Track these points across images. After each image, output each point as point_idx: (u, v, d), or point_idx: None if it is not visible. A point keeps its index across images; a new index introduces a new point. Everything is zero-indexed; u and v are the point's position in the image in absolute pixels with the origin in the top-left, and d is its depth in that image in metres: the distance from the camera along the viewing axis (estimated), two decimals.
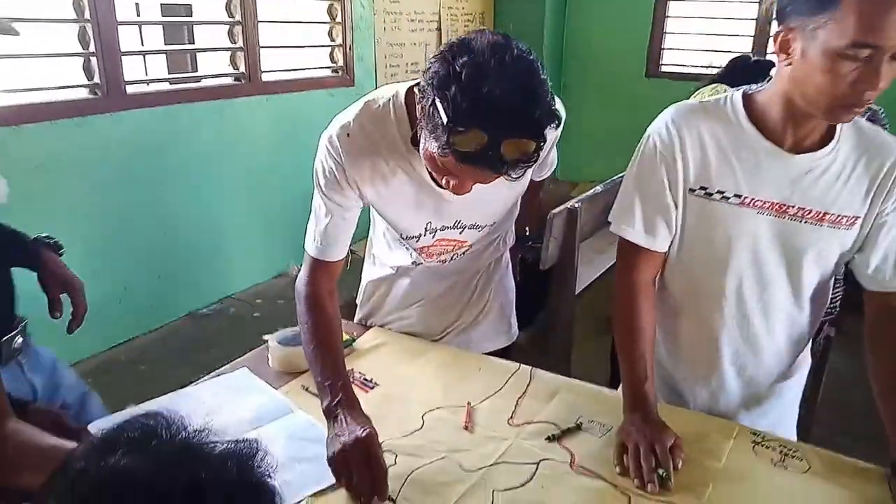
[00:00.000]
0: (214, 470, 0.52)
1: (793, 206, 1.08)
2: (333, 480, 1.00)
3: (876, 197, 1.07)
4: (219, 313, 2.89)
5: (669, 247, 1.17)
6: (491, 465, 1.05)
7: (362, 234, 1.39)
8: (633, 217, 1.15)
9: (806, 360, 1.28)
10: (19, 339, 1.23)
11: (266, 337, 1.36)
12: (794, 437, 1.27)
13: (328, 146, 1.17)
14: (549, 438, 1.11)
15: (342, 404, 1.07)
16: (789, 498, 1.00)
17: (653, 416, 1.10)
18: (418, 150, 1.06)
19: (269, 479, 0.55)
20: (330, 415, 1.07)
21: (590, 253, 2.46)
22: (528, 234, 1.95)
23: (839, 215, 1.07)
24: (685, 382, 1.26)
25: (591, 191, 2.31)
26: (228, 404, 1.19)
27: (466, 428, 1.14)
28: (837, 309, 1.92)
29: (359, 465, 0.97)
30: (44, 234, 1.35)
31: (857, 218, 1.08)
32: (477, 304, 1.44)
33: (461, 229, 1.29)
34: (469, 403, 1.21)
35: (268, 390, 1.25)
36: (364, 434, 1.01)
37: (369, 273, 1.49)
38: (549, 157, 1.38)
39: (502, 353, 1.45)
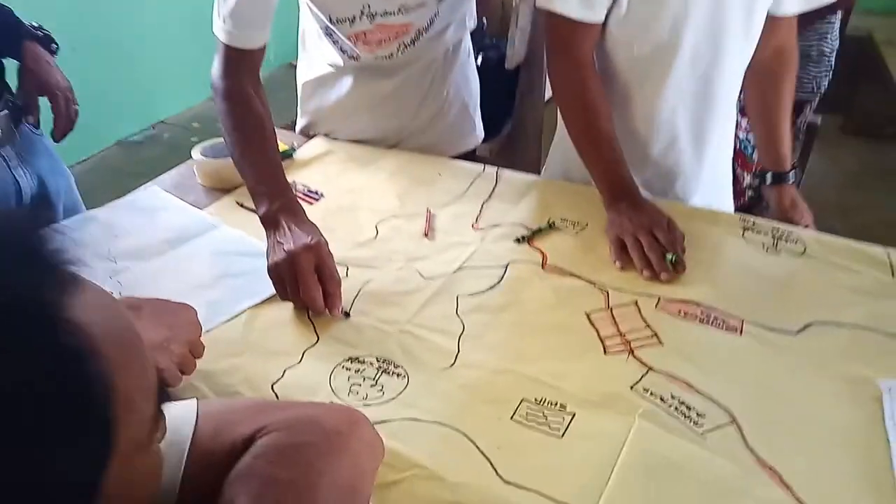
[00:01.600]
0: None
1: None
2: (271, 292, 0.88)
3: None
4: (151, 140, 2.64)
5: (607, 16, 0.98)
6: (454, 271, 0.93)
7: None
8: None
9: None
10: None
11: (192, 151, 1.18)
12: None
13: None
14: (518, 240, 0.99)
15: (284, 209, 0.91)
16: (787, 280, 0.91)
17: (640, 199, 0.99)
18: None
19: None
20: (269, 222, 0.91)
21: None
22: (485, 26, 1.71)
23: None
24: (639, 171, 1.13)
25: None
26: (141, 226, 1.03)
27: (426, 235, 1.01)
28: (821, 90, 1.78)
29: (306, 273, 0.84)
30: (34, 23, 1.14)
31: None
32: (435, 100, 1.25)
33: (406, 11, 1.07)
34: (428, 210, 1.07)
35: (185, 208, 1.09)
36: (312, 241, 0.87)
37: (304, 72, 1.28)
38: None
39: (465, 159, 1.29)
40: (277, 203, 0.91)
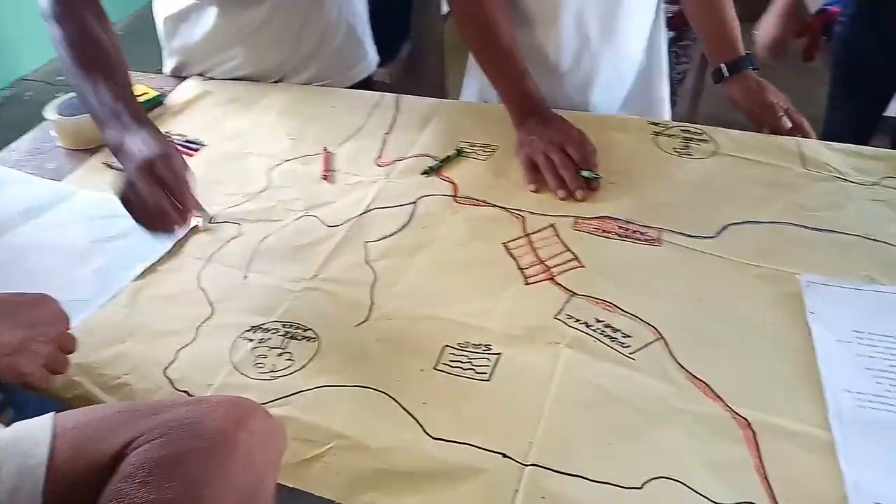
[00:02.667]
0: None
1: None
2: (163, 251, 0.78)
3: None
4: (11, 100, 2.35)
5: None
6: (360, 214, 0.86)
7: None
8: None
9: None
10: None
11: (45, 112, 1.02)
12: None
13: None
14: (425, 172, 0.92)
15: (128, 128, 0.79)
16: (702, 183, 0.89)
17: (549, 114, 0.94)
18: None
19: None
20: (115, 148, 0.79)
21: None
22: None
23: None
24: (555, 85, 1.08)
25: None
26: None
27: (325, 178, 0.93)
28: None
29: (154, 184, 0.73)
30: None
31: None
32: (316, 26, 1.12)
33: None
34: (326, 149, 0.98)
35: (31, 179, 0.95)
36: (160, 148, 0.76)
37: (162, 6, 1.12)
38: None
39: (362, 88, 1.19)
40: (119, 120, 0.80)
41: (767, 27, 1.39)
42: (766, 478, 0.56)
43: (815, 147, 0.94)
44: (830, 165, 0.91)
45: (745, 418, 0.61)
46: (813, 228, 0.81)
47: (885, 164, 0.91)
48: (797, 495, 0.55)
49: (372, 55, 1.25)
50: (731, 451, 0.58)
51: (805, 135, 0.97)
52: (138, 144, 0.76)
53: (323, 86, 1.14)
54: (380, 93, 1.09)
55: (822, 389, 0.63)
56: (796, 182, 0.88)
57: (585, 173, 0.87)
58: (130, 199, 0.74)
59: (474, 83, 1.14)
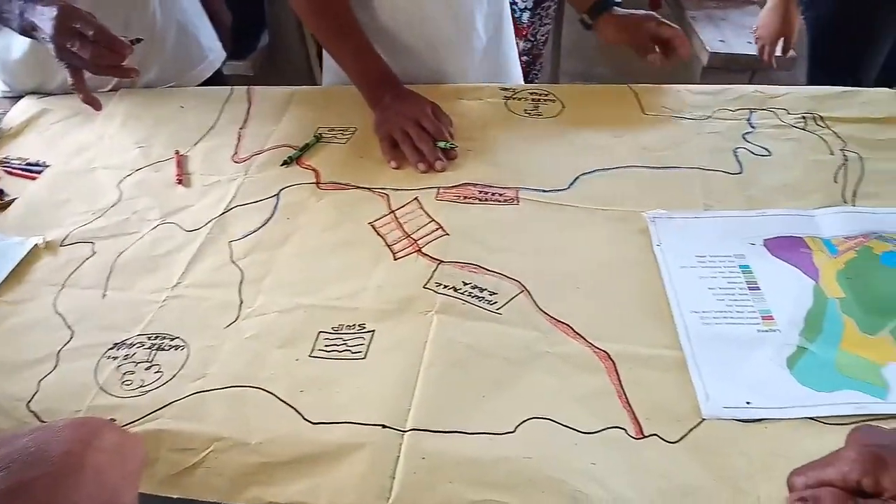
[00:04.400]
0: None
1: None
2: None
3: None
4: None
5: None
6: (220, 214, 0.84)
7: None
8: None
9: None
10: None
11: None
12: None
13: None
14: (285, 163, 0.91)
15: None
16: (553, 140, 0.93)
17: (402, 90, 0.95)
18: None
19: None
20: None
21: None
22: None
23: None
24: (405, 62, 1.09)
25: None
26: None
27: (180, 182, 0.90)
28: None
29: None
30: None
31: None
32: (141, 28, 1.05)
33: None
34: (178, 152, 0.94)
35: None
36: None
37: None
38: None
39: (215, 84, 1.15)
40: None
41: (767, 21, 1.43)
42: (627, 402, 0.61)
43: (652, 91, 1.00)
44: (666, 107, 0.98)
45: (605, 351, 0.65)
46: (655, 167, 0.88)
47: (714, 97, 0.99)
48: (656, 413, 0.60)
49: (215, 52, 1.21)
50: (594, 384, 0.63)
51: (682, 41, 0.99)
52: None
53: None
54: (229, 87, 1.06)
55: (672, 314, 0.69)
56: (637, 127, 0.95)
57: (442, 144, 0.89)
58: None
59: (333, 67, 1.14)
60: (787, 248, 0.76)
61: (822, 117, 0.94)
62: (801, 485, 0.44)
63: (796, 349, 0.65)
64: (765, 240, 0.77)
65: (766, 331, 0.67)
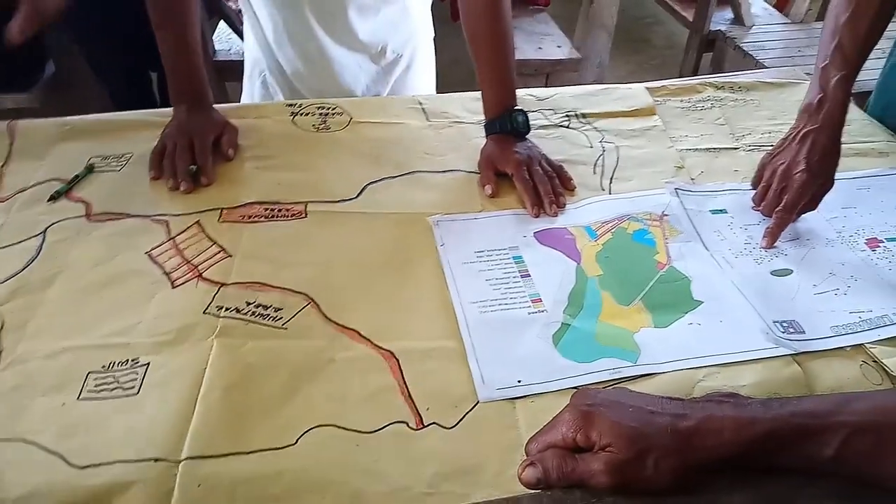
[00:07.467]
0: None
1: None
2: None
3: None
4: None
5: None
6: None
7: None
8: None
9: None
10: None
11: None
12: None
13: None
14: (52, 198, 0.85)
15: None
16: (341, 152, 0.95)
17: (203, 105, 0.94)
18: None
19: None
20: None
21: None
22: None
23: None
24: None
25: None
26: None
27: None
28: None
29: None
30: None
31: None
32: None
33: None
34: None
35: None
36: None
37: None
38: None
39: None
40: None
41: None
42: (409, 396, 0.64)
43: (434, 100, 1.06)
44: (448, 113, 1.03)
45: (389, 350, 0.68)
46: (438, 171, 0.92)
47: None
48: (435, 401, 0.63)
49: None
50: (378, 383, 0.65)
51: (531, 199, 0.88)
52: None
53: None
54: None
55: (453, 307, 0.73)
56: (422, 134, 0.99)
57: (192, 167, 0.88)
58: None
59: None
60: (554, 236, 0.84)
61: (583, 114, 1.04)
62: (533, 451, 0.49)
63: (560, 326, 0.72)
64: (535, 232, 0.84)
65: (535, 312, 0.74)
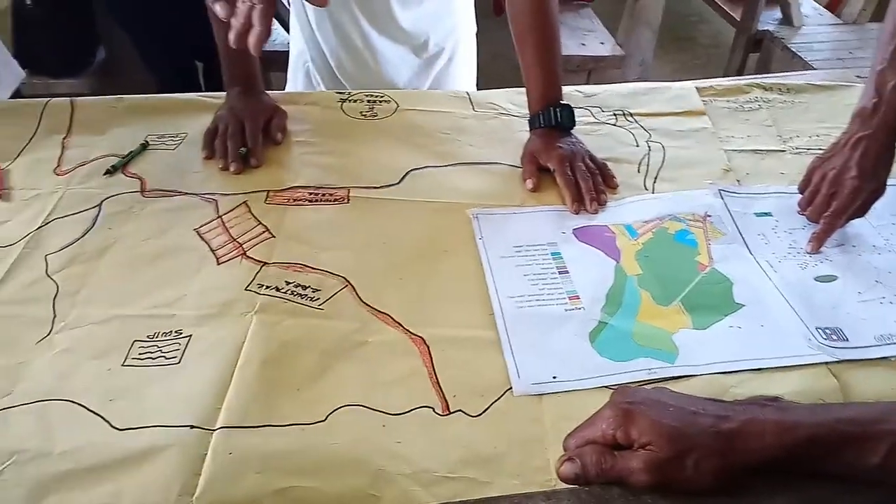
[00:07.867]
0: None
1: None
2: None
3: None
4: None
5: None
6: (38, 228, 0.81)
7: None
8: None
9: None
10: None
11: None
12: None
13: None
14: (108, 172, 0.89)
15: None
16: (385, 139, 0.96)
17: (255, 90, 0.97)
18: None
19: None
20: None
21: None
22: None
23: None
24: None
25: None
26: None
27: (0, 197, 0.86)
28: None
29: None
30: None
31: None
32: None
33: None
34: None
35: None
36: None
37: None
38: None
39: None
40: None
41: None
42: (437, 382, 0.65)
43: (480, 92, 1.06)
44: (495, 104, 1.03)
45: (420, 336, 0.69)
46: (481, 163, 0.93)
47: None
48: (463, 389, 0.63)
49: (12, 73, 1.15)
50: (408, 368, 0.66)
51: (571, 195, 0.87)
52: None
53: None
54: (42, 99, 1.02)
55: (490, 299, 0.73)
56: (467, 124, 1.00)
57: (243, 150, 0.90)
58: None
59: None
60: (593, 234, 0.83)
61: (631, 113, 1.03)
62: (571, 446, 0.49)
63: (598, 324, 0.71)
64: (574, 229, 0.84)
65: (572, 308, 0.73)
